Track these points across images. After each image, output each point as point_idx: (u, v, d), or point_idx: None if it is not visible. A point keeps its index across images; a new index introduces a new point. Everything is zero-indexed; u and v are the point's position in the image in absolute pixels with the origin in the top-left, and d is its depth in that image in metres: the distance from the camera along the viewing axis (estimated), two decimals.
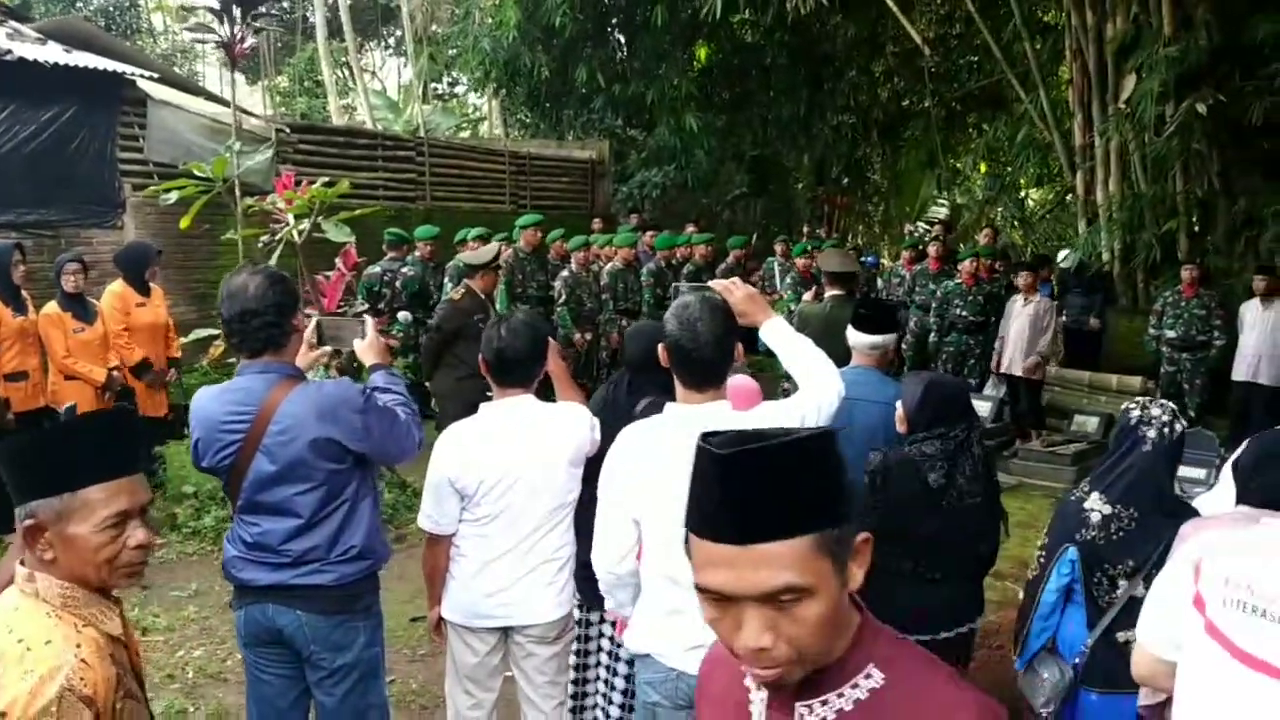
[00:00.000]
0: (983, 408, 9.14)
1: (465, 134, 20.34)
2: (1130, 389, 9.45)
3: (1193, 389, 9.27)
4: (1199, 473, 6.70)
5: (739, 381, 3.25)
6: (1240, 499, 2.83)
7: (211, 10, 6.26)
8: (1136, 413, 3.05)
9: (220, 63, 32.95)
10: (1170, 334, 9.36)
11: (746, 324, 2.80)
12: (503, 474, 3.07)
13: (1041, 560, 3.18)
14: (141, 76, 8.99)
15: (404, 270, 8.58)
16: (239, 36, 6.34)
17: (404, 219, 11.02)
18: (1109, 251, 10.66)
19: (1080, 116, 11.18)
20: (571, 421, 3.20)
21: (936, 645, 3.46)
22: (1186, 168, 10.36)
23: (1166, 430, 2.99)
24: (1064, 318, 9.98)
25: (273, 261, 5.32)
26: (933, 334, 9.92)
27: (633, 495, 2.61)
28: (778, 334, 2.82)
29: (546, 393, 3.29)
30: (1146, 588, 2.91)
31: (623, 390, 3.59)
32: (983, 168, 18.21)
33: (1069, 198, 13.32)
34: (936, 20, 16.99)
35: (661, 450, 2.51)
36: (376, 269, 8.73)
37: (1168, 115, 9.55)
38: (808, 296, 7.19)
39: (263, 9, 6.48)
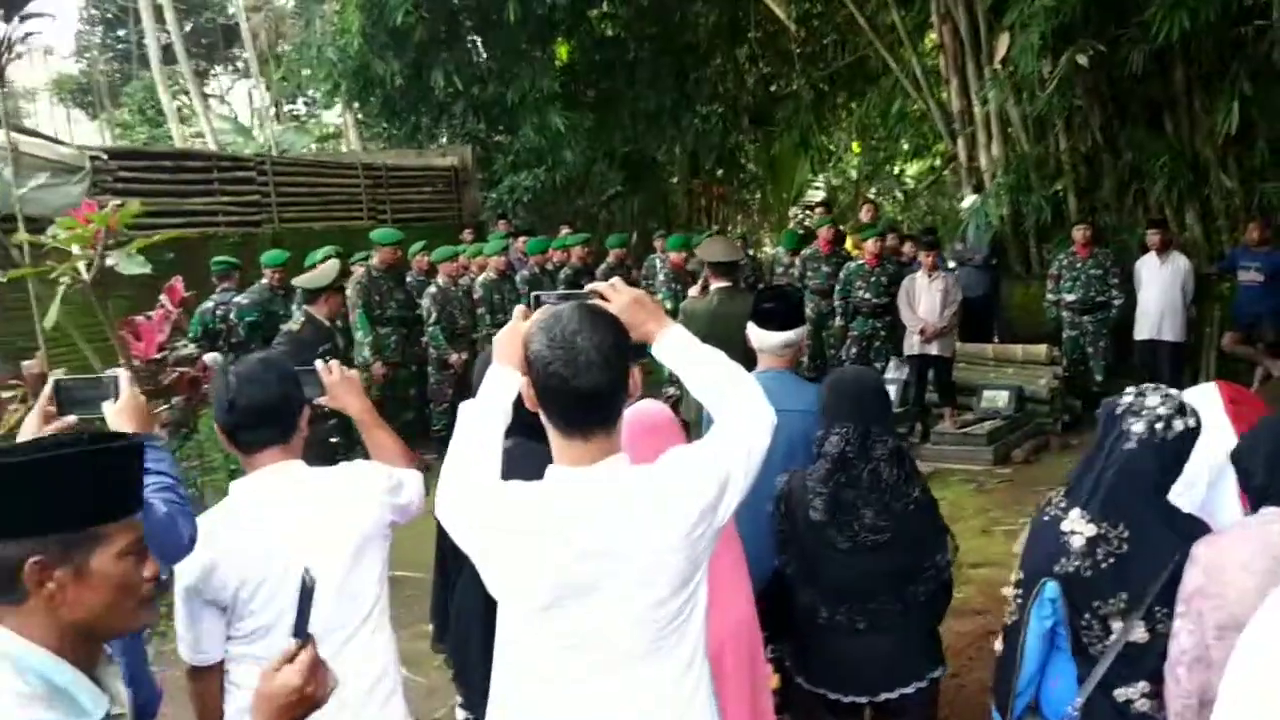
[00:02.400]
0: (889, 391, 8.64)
1: (319, 152, 19.25)
2: (1036, 358, 9.10)
3: (1097, 352, 8.98)
4: None
5: (645, 413, 2.56)
6: (1265, 497, 2.26)
7: None
8: (1125, 400, 2.41)
9: (60, 100, 31.21)
10: (1069, 297, 9.05)
11: (637, 337, 2.06)
12: (266, 572, 2.29)
13: (1018, 599, 2.51)
14: None
15: (238, 301, 7.65)
16: (6, 41, 5.41)
17: (250, 245, 10.05)
18: (997, 218, 10.30)
19: (955, 81, 10.82)
20: (361, 486, 2.45)
21: (880, 710, 2.83)
22: (1069, 124, 10.08)
23: (1159, 425, 2.29)
24: None
25: (53, 311, 4.42)
26: (837, 319, 9.41)
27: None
28: (677, 348, 2.06)
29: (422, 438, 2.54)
30: (1149, 629, 2.29)
31: None
32: (855, 147, 18.01)
33: (950, 167, 13.00)
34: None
35: (538, 549, 1.79)
36: (209, 304, 7.77)
37: (1046, 73, 9.20)
38: (693, 292, 6.53)
39: (31, 10, 5.55)
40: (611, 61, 16.15)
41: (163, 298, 6.66)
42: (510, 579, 1.83)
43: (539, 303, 2.17)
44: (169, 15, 18.73)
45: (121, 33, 28.71)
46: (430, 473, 7.28)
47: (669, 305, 8.98)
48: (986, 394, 8.73)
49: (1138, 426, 2.33)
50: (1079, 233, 9.03)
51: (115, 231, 4.52)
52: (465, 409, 2.14)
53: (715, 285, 5.80)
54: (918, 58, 11.82)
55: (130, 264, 4.49)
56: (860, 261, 9.34)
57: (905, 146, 15.22)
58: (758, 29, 16.71)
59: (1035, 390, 8.88)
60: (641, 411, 2.54)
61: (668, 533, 1.77)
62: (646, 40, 15.89)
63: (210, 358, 4.00)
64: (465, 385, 8.99)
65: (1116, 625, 2.32)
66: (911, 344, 8.71)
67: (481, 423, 2.01)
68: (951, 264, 9.96)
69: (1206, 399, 2.67)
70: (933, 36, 12.02)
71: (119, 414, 2.33)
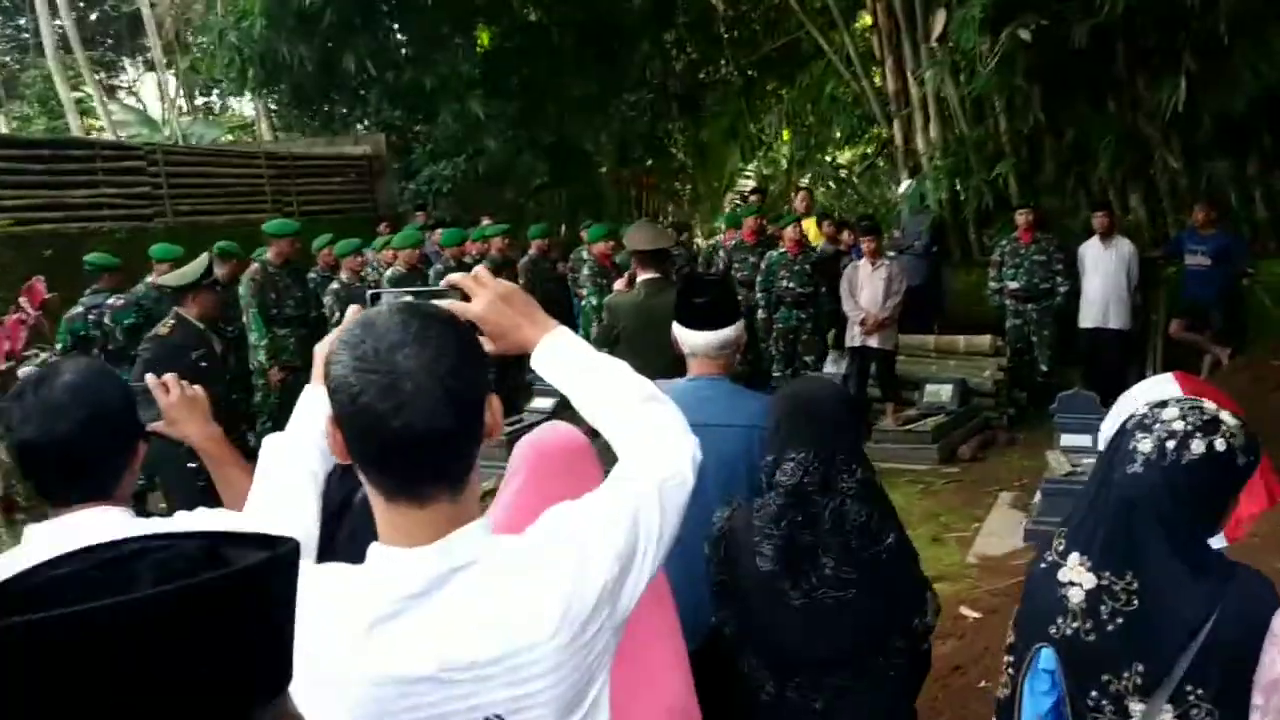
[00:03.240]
0: None
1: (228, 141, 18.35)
2: (980, 349, 8.71)
3: (1042, 341, 8.60)
4: (1083, 440, 5.87)
5: (547, 442, 1.98)
6: None
7: None
8: (1139, 412, 1.86)
9: None
10: (1013, 285, 8.65)
11: (506, 348, 1.53)
12: None
13: (1010, 670, 1.96)
14: None
15: (110, 303, 6.89)
16: None
17: (139, 241, 9.28)
18: (936, 203, 9.90)
19: (890, 62, 10.40)
20: None
21: None
22: (1010, 105, 9.68)
23: (1171, 445, 1.70)
24: None
25: None
26: (760, 311, 8.92)
27: None
28: (563, 358, 1.52)
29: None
30: (1180, 715, 1.71)
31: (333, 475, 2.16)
32: (786, 134, 17.64)
33: (885, 153, 12.62)
34: None
35: (341, 673, 1.18)
36: (78, 308, 6.98)
37: (985, 51, 8.78)
38: (619, 285, 5.95)
39: None
40: (535, 47, 15.51)
41: (21, 300, 5.95)
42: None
43: (376, 300, 1.61)
44: (61, 2, 17.69)
45: (22, 22, 27.37)
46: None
47: (594, 301, 8.41)
48: (929, 388, 8.29)
49: (1145, 445, 1.77)
50: (1021, 217, 8.62)
51: None
52: (268, 447, 1.56)
53: (643, 277, 5.23)
54: (850, 39, 11.39)
55: None
56: (782, 250, 8.88)
57: (838, 133, 14.79)
58: (686, 13, 16.27)
59: (980, 383, 8.49)
60: (543, 440, 1.98)
61: (541, 644, 1.19)
62: (571, 25, 15.29)
63: (24, 371, 3.37)
64: None
65: (1136, 708, 1.75)
66: (852, 336, 8.27)
67: (282, 472, 1.44)
68: (890, 253, 9.53)
69: (1164, 391, 2.32)
70: (866, 17, 11.63)
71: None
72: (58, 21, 21.13)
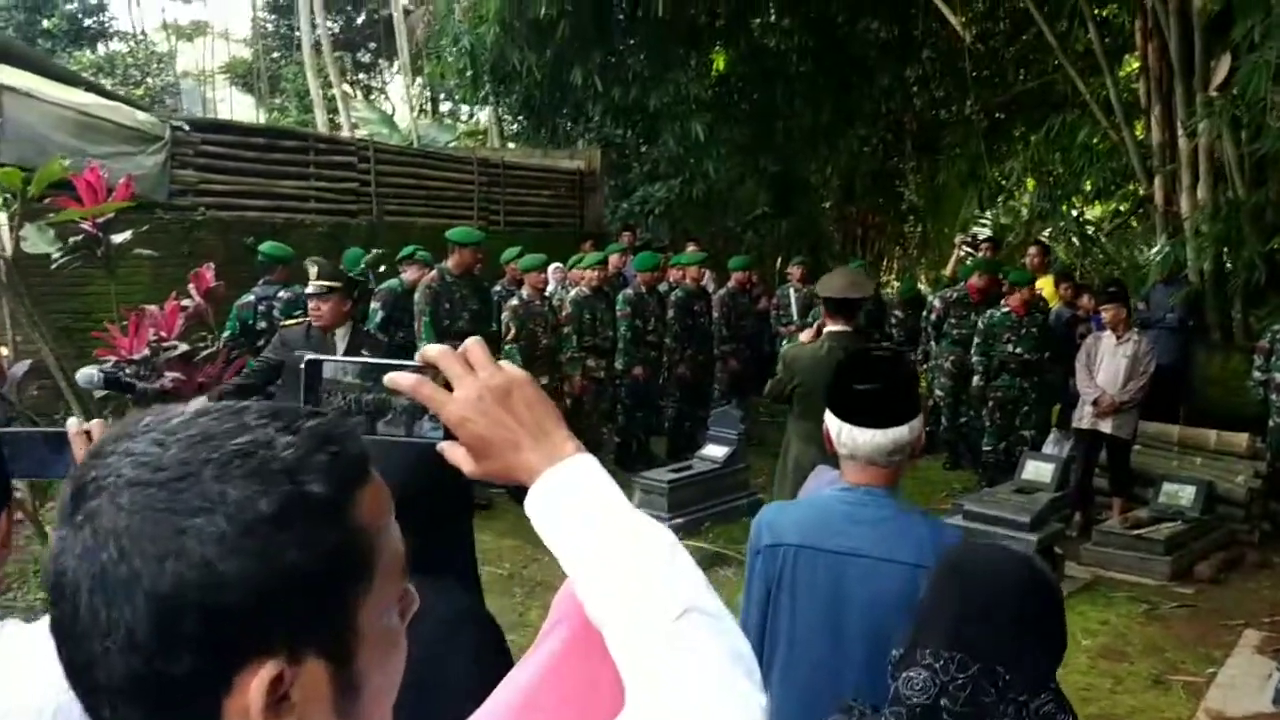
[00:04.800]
0: (1044, 470, 7.20)
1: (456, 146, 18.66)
2: (1233, 448, 7.48)
3: None
4: None
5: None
6: None
7: None
8: None
9: (230, 82, 31.92)
10: None
11: (491, 473, 0.97)
12: None
13: None
14: None
15: (281, 295, 6.72)
16: None
17: (342, 236, 9.24)
18: (1197, 274, 8.65)
19: (1158, 110, 9.18)
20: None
21: None
22: None
23: None
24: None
25: None
26: (976, 377, 8.01)
27: None
28: (572, 512, 0.94)
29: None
30: None
31: None
32: (1030, 183, 16.37)
33: (1142, 211, 11.32)
34: (978, 17, 15.15)
35: None
36: (250, 297, 6.87)
37: (1274, 104, 7.53)
38: (804, 336, 5.18)
39: None
40: (769, 73, 14.92)
41: (190, 287, 5.79)
42: None
43: (313, 375, 1.03)
44: (317, 5, 18.48)
45: (292, 21, 29.12)
46: (492, 509, 5.99)
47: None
48: (1167, 487, 7.11)
49: None
50: None
51: (30, 200, 3.58)
52: None
53: (831, 328, 4.58)
54: (1113, 84, 10.19)
55: (40, 240, 3.55)
56: (1006, 310, 7.93)
57: (1088, 185, 13.48)
58: (930, 48, 15.35)
59: (1230, 489, 7.23)
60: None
61: None
62: (810, 53, 14.63)
63: (84, 374, 3.03)
64: None
65: None
66: (1082, 415, 7.25)
67: None
68: (1136, 325, 8.39)
69: None
70: (1133, 60, 10.43)
71: None
72: (327, 22, 22.27)
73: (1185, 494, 7.02)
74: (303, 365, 1.00)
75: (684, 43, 13.75)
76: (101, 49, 22.04)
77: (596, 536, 0.93)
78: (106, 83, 17.60)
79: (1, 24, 19.68)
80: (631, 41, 14.44)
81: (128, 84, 20.48)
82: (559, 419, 0.98)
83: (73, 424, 1.62)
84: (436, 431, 1.00)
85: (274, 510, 0.68)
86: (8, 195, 3.77)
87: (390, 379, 0.96)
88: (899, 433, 2.14)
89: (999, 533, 6.13)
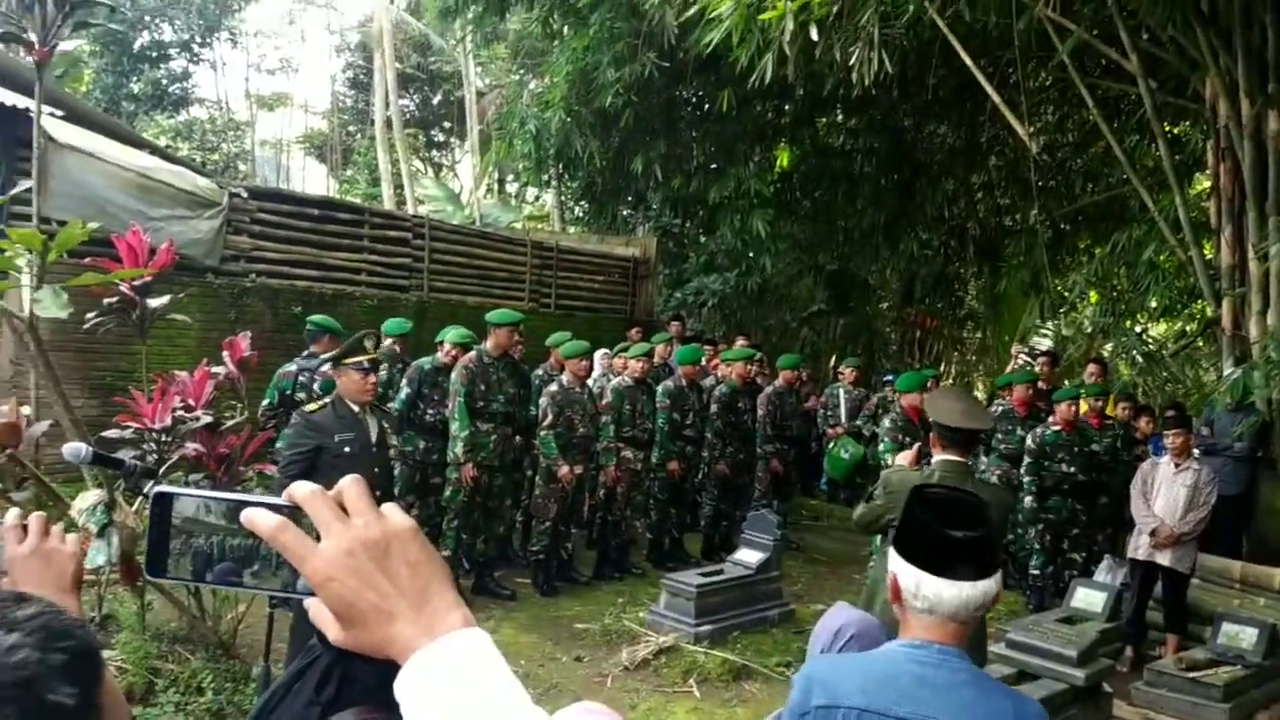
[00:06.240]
0: (1095, 599, 6.85)
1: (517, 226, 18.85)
2: None
3: None
4: None
5: None
6: None
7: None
8: None
9: (305, 152, 32.78)
10: None
11: (359, 644, 0.81)
12: None
13: None
14: (50, 114, 7.38)
15: (324, 369, 6.67)
16: (50, 34, 4.60)
17: (390, 310, 9.21)
18: (1265, 402, 8.30)
19: (1229, 231, 8.91)
20: None
21: None
22: None
23: None
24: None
25: None
26: (1029, 498, 7.70)
27: None
28: (446, 698, 0.77)
29: None
30: None
31: (307, 687, 1.33)
32: (1093, 296, 16.06)
33: (1208, 333, 10.97)
34: (1047, 128, 15.04)
35: None
36: (291, 366, 6.85)
37: None
38: (904, 458, 4.67)
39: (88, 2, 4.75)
40: (834, 172, 14.89)
41: (224, 354, 5.73)
42: None
43: (162, 513, 0.86)
44: (390, 82, 18.92)
45: (369, 97, 29.95)
46: (517, 601, 5.78)
47: (889, 460, 6.94)
48: (1227, 628, 6.69)
49: None
50: None
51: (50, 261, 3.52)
52: None
53: (940, 457, 4.08)
54: (1183, 201, 9.95)
55: (54, 304, 3.47)
56: (1056, 428, 7.64)
57: (1153, 302, 13.19)
58: (996, 155, 15.23)
59: None
60: None
61: None
62: (874, 154, 14.59)
63: (68, 450, 2.87)
64: (575, 505, 7.77)
65: None
66: (1138, 545, 6.90)
67: None
68: (1196, 451, 8.03)
69: None
70: (1204, 179, 10.20)
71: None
72: (403, 101, 22.80)
73: (1247, 636, 6.60)
74: (150, 499, 0.84)
75: (748, 138, 13.77)
76: (184, 115, 22.73)
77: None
78: (184, 147, 18.12)
79: (91, 85, 20.37)
80: (695, 134, 14.52)
81: (204, 149, 21.05)
82: (446, 580, 0.82)
83: (11, 515, 1.50)
84: None
85: None
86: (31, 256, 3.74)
87: (247, 517, 0.80)
88: (988, 585, 1.93)
89: (1045, 665, 5.79)
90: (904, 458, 4.55)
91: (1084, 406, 8.33)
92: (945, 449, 4.03)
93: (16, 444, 4.34)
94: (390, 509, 0.84)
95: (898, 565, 1.99)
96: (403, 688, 0.78)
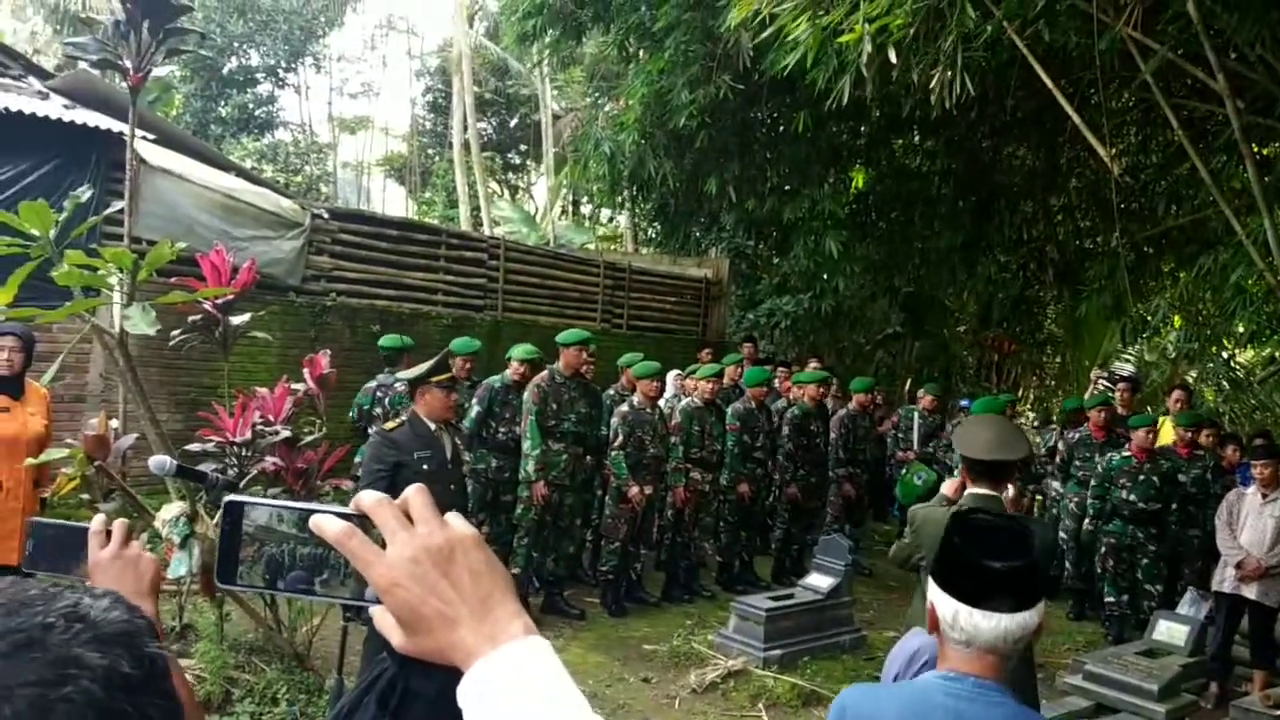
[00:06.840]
0: (1177, 632, 6.68)
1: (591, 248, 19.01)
2: None
3: None
4: None
5: None
6: None
7: (116, 24, 4.72)
8: None
9: (385, 174, 33.42)
10: None
11: (423, 650, 0.82)
12: None
13: None
14: (143, 138, 7.66)
15: (397, 386, 6.80)
16: (144, 61, 4.77)
17: (464, 329, 9.34)
18: None
19: None
20: None
21: None
22: None
23: None
24: None
25: (50, 371, 3.58)
26: (1088, 520, 7.60)
27: None
28: (502, 706, 0.77)
29: None
30: None
31: (374, 700, 1.32)
32: (1178, 321, 15.67)
33: None
34: (1130, 149, 14.75)
35: None
36: (373, 382, 7.02)
37: None
38: (947, 487, 4.44)
39: (181, 25, 4.94)
40: (910, 194, 14.77)
41: (305, 370, 5.87)
42: None
43: (234, 515, 0.90)
44: (469, 106, 19.24)
45: (448, 120, 30.40)
46: (585, 620, 5.80)
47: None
48: None
49: None
50: None
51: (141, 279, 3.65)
52: None
53: (974, 491, 3.87)
54: (1271, 225, 9.69)
55: (142, 320, 3.59)
56: (1126, 454, 7.51)
57: (1240, 328, 12.83)
58: (1077, 177, 14.97)
59: None
60: None
61: None
62: (952, 176, 14.44)
63: (154, 462, 2.97)
64: (646, 526, 7.79)
65: None
66: (1223, 579, 6.70)
67: None
68: None
69: None
70: None
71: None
72: (480, 124, 23.16)
73: None
74: (225, 501, 0.88)
75: (823, 159, 13.72)
76: (269, 137, 23.39)
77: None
78: (268, 169, 18.61)
79: (181, 109, 21.07)
80: (769, 155, 14.51)
81: (287, 171, 21.62)
82: (509, 589, 0.84)
83: (97, 521, 1.56)
84: None
85: None
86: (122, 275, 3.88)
87: (315, 523, 0.83)
88: (1028, 618, 1.87)
89: (1123, 699, 5.65)
90: (948, 487, 4.30)
91: (1167, 435, 8.15)
92: (974, 482, 3.87)
93: (104, 456, 4.49)
94: (454, 517, 0.86)
95: (935, 595, 1.96)
96: (466, 695, 0.80)
